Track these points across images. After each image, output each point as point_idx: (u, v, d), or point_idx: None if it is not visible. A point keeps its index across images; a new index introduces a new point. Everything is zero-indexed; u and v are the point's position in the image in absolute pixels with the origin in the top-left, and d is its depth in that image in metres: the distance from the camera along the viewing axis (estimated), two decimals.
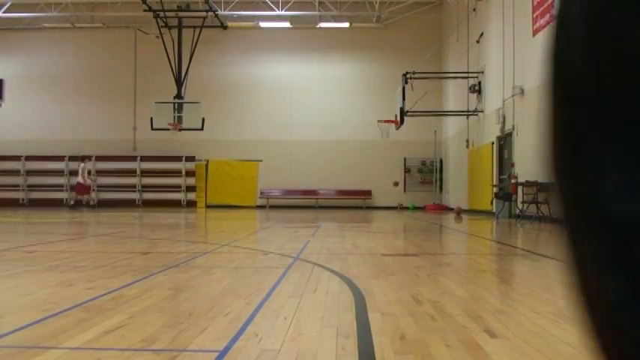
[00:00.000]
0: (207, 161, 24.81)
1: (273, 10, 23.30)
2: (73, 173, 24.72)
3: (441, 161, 24.50)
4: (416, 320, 2.63)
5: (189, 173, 24.68)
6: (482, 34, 18.00)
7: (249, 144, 24.81)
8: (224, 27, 21.69)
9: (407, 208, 24.33)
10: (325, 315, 2.76)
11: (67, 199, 21.79)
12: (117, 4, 23.93)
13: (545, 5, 12.86)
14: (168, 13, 20.47)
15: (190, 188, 24.71)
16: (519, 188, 13.80)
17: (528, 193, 13.09)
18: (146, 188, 24.67)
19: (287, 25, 24.59)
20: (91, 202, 22.10)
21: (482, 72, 18.07)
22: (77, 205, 21.79)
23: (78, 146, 24.80)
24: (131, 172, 24.39)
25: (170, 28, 20.79)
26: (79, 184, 21.72)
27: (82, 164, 21.82)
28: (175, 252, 5.89)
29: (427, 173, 24.81)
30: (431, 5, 24.42)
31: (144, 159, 24.56)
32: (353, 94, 24.77)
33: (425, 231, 10.00)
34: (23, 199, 24.78)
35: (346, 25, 24.55)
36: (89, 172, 22.15)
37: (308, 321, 2.61)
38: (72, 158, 24.76)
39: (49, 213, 17.61)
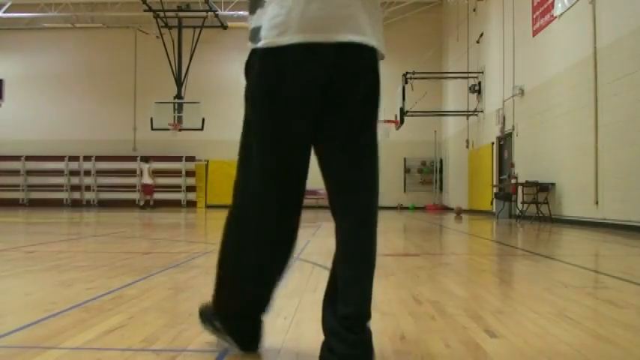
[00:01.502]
0: (207, 161, 24.80)
1: None
2: (74, 173, 24.75)
3: (441, 161, 24.50)
4: (416, 320, 2.63)
5: (189, 173, 24.67)
6: (482, 34, 17.99)
7: None
8: (224, 27, 21.65)
9: (407, 208, 24.33)
10: None
11: (138, 200, 22.16)
12: (117, 4, 23.92)
13: (546, 5, 12.86)
14: (168, 13, 20.45)
15: (190, 188, 24.70)
16: (519, 188, 13.81)
17: (528, 193, 13.10)
18: None
19: None
20: (151, 203, 22.31)
21: (482, 72, 18.07)
22: (146, 205, 22.04)
23: (78, 146, 24.80)
24: (131, 172, 24.38)
25: (170, 28, 20.77)
26: (145, 184, 21.96)
27: (147, 165, 22.00)
28: (175, 252, 5.89)
29: (427, 173, 24.81)
30: (431, 5, 24.42)
31: (144, 159, 24.56)
32: None
33: (425, 231, 10.00)
34: (23, 199, 24.77)
35: None
36: (153, 172, 22.44)
37: (308, 321, 2.61)
38: (72, 158, 24.77)
39: (49, 213, 17.61)
